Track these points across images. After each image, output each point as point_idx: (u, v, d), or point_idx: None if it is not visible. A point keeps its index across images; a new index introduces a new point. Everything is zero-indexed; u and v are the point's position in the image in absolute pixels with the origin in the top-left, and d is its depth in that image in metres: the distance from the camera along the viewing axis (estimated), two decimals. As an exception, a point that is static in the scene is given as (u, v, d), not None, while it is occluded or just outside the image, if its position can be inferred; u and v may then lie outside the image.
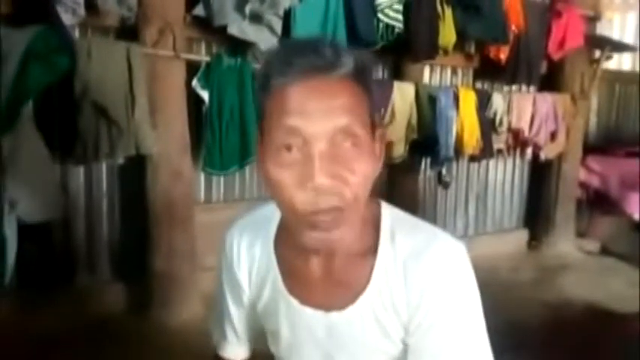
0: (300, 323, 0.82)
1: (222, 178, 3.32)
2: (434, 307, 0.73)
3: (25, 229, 2.40)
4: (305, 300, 0.80)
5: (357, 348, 0.79)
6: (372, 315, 0.77)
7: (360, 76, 0.69)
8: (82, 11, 2.54)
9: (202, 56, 3.06)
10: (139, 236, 2.97)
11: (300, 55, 0.66)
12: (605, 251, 4.62)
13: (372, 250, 0.77)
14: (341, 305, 0.78)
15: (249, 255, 0.87)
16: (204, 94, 2.88)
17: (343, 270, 0.78)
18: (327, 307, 0.79)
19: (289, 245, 0.80)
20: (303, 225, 0.68)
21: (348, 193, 0.67)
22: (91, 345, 2.56)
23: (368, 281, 0.76)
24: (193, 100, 2.93)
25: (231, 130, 2.97)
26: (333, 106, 0.65)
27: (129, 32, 2.79)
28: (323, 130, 0.65)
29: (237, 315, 0.93)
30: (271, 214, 0.84)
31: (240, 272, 0.88)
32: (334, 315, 0.78)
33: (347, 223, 0.69)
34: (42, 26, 2.33)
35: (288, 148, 0.66)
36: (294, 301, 0.81)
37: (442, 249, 0.75)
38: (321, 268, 0.79)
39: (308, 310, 0.80)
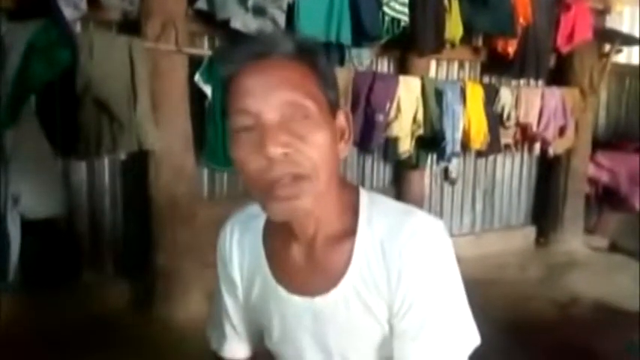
0: (289, 312, 0.84)
1: (225, 174, 3.30)
2: (413, 286, 0.75)
3: (28, 225, 2.39)
4: (292, 288, 0.83)
5: (344, 331, 0.81)
6: (356, 297, 0.78)
7: (304, 55, 0.74)
8: (83, 5, 2.53)
9: (205, 50, 3.04)
10: (141, 232, 2.96)
11: (240, 44, 0.73)
12: (613, 248, 4.57)
13: (351, 232, 0.79)
14: (324, 289, 0.80)
15: (239, 250, 0.90)
16: (207, 89, 2.86)
17: (324, 255, 0.80)
18: (312, 293, 0.81)
19: (275, 236, 0.85)
20: (265, 197, 0.72)
21: (305, 161, 0.70)
22: (95, 341, 2.56)
23: (348, 263, 0.78)
24: (196, 94, 2.90)
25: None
26: (277, 82, 0.70)
27: (131, 26, 2.77)
28: (270, 105, 0.70)
29: (234, 312, 0.95)
30: (259, 210, 0.87)
31: (232, 267, 0.91)
32: (319, 300, 0.80)
33: (309, 194, 0.72)
34: (44, 21, 2.32)
35: (245, 128, 0.71)
36: (282, 291, 0.83)
37: (418, 225, 0.77)
38: (303, 255, 0.82)
39: (295, 298, 0.82)
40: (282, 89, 0.70)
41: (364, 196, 0.82)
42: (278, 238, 0.84)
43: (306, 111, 0.71)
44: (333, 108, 0.76)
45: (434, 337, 0.75)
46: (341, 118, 0.79)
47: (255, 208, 0.89)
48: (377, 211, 0.80)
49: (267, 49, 0.72)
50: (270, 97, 0.70)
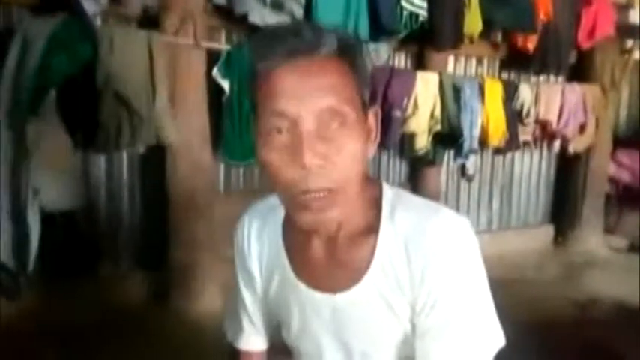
0: (309, 307, 0.83)
1: (241, 169, 3.31)
2: (437, 284, 0.73)
3: (47, 218, 2.42)
4: (312, 284, 0.82)
5: (365, 329, 0.80)
6: (377, 293, 0.77)
7: (345, 55, 0.70)
8: (104, 0, 2.55)
9: (223, 45, 3.04)
10: (159, 226, 2.98)
11: (280, 39, 0.68)
12: (633, 248, 4.48)
13: (374, 229, 0.77)
14: (346, 286, 0.78)
15: (258, 243, 0.89)
16: (225, 84, 2.86)
17: (346, 251, 0.79)
18: (333, 289, 0.80)
19: (295, 230, 0.83)
20: (296, 206, 0.71)
21: (337, 174, 0.68)
22: (112, 333, 2.58)
23: (371, 260, 0.77)
24: (214, 89, 2.91)
25: (252, 120, 2.94)
26: (318, 86, 0.67)
27: (150, 21, 2.79)
28: (309, 111, 0.66)
29: (252, 304, 0.94)
30: (279, 203, 0.85)
31: (251, 260, 0.90)
32: (340, 296, 0.79)
33: (340, 205, 0.70)
34: (65, 15, 2.34)
35: (278, 130, 0.68)
36: (302, 286, 0.82)
37: (443, 223, 0.74)
38: (325, 250, 0.81)
39: (315, 294, 0.81)
40: (322, 94, 0.67)
41: (387, 191, 0.80)
42: (298, 232, 0.82)
43: (345, 118, 0.68)
44: (366, 108, 0.74)
45: (457, 337, 0.73)
46: (371, 118, 0.76)
47: (273, 200, 0.87)
48: (400, 208, 0.78)
49: (309, 47, 0.67)
50: (310, 102, 0.66)
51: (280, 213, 0.87)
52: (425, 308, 0.74)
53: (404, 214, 0.77)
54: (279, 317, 0.90)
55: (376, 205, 0.79)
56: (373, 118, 0.77)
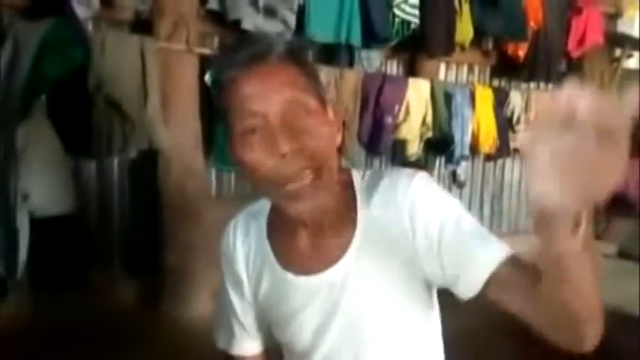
0: (302, 297, 0.84)
1: (233, 173, 3.31)
2: (429, 209, 0.77)
3: (37, 223, 2.41)
4: (301, 271, 0.84)
5: (363, 295, 0.81)
6: (366, 258, 0.80)
7: (294, 57, 0.77)
8: (96, 4, 2.56)
9: (216, 51, 3.04)
10: (150, 231, 2.96)
11: (238, 50, 0.76)
12: (622, 254, 4.53)
13: (352, 206, 0.82)
14: (334, 261, 0.81)
15: (244, 247, 0.92)
16: (217, 89, 2.87)
17: (330, 232, 0.82)
18: (322, 269, 0.82)
19: (279, 228, 0.87)
20: (283, 198, 0.75)
21: (314, 156, 0.73)
22: (103, 339, 2.56)
23: (354, 231, 0.81)
24: (205, 94, 2.91)
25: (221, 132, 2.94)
26: (277, 83, 0.73)
27: (143, 26, 2.78)
28: (275, 104, 0.72)
29: (242, 309, 0.95)
30: (260, 207, 0.92)
31: (238, 264, 0.92)
32: (329, 273, 0.82)
33: (324, 188, 0.75)
34: (56, 19, 2.33)
35: (252, 130, 0.73)
36: (291, 276, 0.84)
37: (406, 171, 0.82)
38: (311, 238, 0.84)
39: (303, 279, 0.83)
40: (283, 89, 0.73)
41: (356, 172, 0.87)
42: (282, 228, 0.86)
43: (307, 107, 0.74)
44: (325, 102, 0.80)
45: (478, 238, 0.75)
46: (331, 111, 0.82)
47: (255, 206, 0.93)
48: (368, 176, 0.85)
49: (263, 53, 0.75)
50: (274, 98, 0.72)
51: (263, 216, 0.91)
52: (433, 235, 0.76)
53: (373, 179, 0.84)
54: (272, 317, 0.91)
55: (349, 184, 0.84)
56: (333, 112, 0.82)
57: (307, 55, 0.81)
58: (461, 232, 0.76)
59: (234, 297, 0.95)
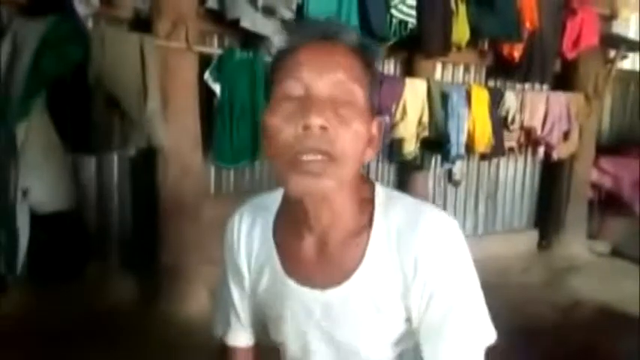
0: (299, 304, 0.83)
1: (232, 172, 3.33)
2: (431, 275, 0.75)
3: (36, 219, 2.41)
4: (302, 281, 0.82)
5: (356, 326, 0.81)
6: (369, 290, 0.78)
7: (362, 53, 0.76)
8: (96, 2, 2.56)
9: (215, 49, 3.06)
10: (148, 228, 2.98)
11: (311, 24, 0.79)
12: (616, 253, 4.57)
13: (367, 226, 0.79)
14: (337, 282, 0.79)
15: (247, 240, 0.90)
16: (216, 87, 2.88)
17: (338, 248, 0.80)
18: (324, 285, 0.81)
19: (286, 228, 0.85)
20: (290, 169, 0.71)
21: (337, 143, 0.70)
22: (99, 336, 2.57)
23: (363, 256, 0.78)
24: (205, 92, 2.93)
25: (243, 124, 2.96)
26: (335, 63, 0.73)
27: (142, 24, 2.79)
28: (323, 79, 0.72)
29: (240, 301, 0.95)
30: (271, 202, 0.89)
31: (240, 258, 0.91)
32: (331, 292, 0.80)
33: (334, 178, 0.71)
34: (56, 16, 2.33)
35: (290, 97, 0.72)
36: (292, 283, 0.83)
37: (434, 219, 0.78)
38: (316, 248, 0.81)
39: (306, 290, 0.82)
40: (337, 69, 0.72)
41: (380, 191, 0.83)
42: (289, 230, 0.84)
43: (353, 97, 0.73)
44: (372, 111, 0.78)
45: (457, 330, 0.75)
46: (375, 125, 0.80)
47: (264, 200, 0.91)
48: (393, 205, 0.80)
49: (334, 33, 0.75)
50: (325, 73, 0.72)
51: (271, 212, 0.88)
52: (422, 302, 0.76)
53: (397, 211, 0.79)
54: (268, 315, 0.90)
55: (369, 203, 0.81)
56: (377, 126, 0.80)
57: (377, 60, 0.81)
58: (448, 315, 0.75)
59: (233, 288, 0.95)
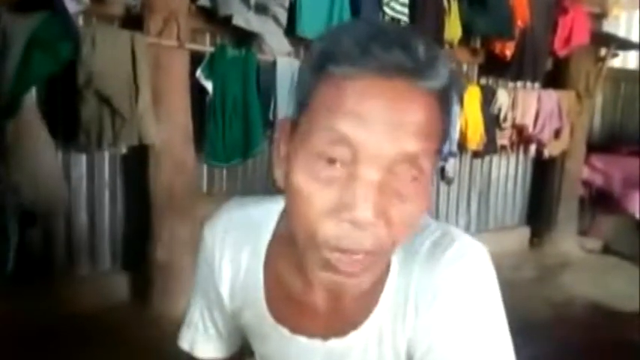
0: (292, 349, 0.69)
1: (224, 170, 3.31)
2: (441, 319, 0.60)
3: (26, 217, 2.39)
4: (298, 329, 0.68)
5: None
6: (377, 341, 0.65)
7: (446, 96, 0.53)
8: (86, -1, 2.54)
9: (207, 47, 3.05)
10: (140, 226, 2.96)
11: (383, 43, 0.49)
12: (607, 250, 4.61)
13: (381, 275, 0.62)
14: (341, 332, 0.66)
15: (233, 264, 0.72)
16: (208, 85, 2.87)
17: (352, 300, 0.65)
18: (326, 335, 0.67)
19: (284, 265, 0.67)
20: (321, 261, 0.54)
21: (388, 237, 0.53)
22: (91, 335, 2.56)
23: (376, 303, 0.64)
24: (197, 90, 2.91)
25: (235, 122, 2.95)
26: (407, 124, 0.49)
27: (133, 21, 2.77)
28: (384, 152, 0.50)
29: (217, 311, 0.79)
30: (264, 219, 0.70)
31: (222, 282, 0.73)
32: (333, 342, 0.67)
33: (373, 271, 0.56)
34: (46, 13, 2.31)
35: (331, 160, 0.51)
36: (284, 330, 0.68)
37: (458, 255, 0.61)
38: (325, 301, 0.67)
39: (301, 339, 0.68)
40: (410, 136, 0.50)
41: None
42: (288, 270, 0.67)
43: (421, 174, 0.52)
44: (433, 169, 0.56)
45: None
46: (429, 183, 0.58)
47: (256, 213, 0.72)
48: (412, 252, 0.64)
49: (418, 70, 0.50)
50: (390, 143, 0.49)
51: (265, 232, 0.70)
52: (419, 351, 0.62)
53: (415, 250, 0.63)
54: (254, 346, 0.77)
55: None
56: (433, 170, 0.58)
57: (456, 98, 0.61)
58: None
59: (211, 303, 0.78)
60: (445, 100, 0.53)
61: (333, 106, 0.50)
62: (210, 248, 0.74)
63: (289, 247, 0.62)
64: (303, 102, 0.55)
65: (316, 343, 0.67)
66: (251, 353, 0.82)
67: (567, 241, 4.57)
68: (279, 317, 0.68)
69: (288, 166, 0.55)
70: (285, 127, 0.58)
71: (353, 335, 0.65)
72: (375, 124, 0.49)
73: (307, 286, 0.66)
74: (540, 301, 3.42)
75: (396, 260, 0.64)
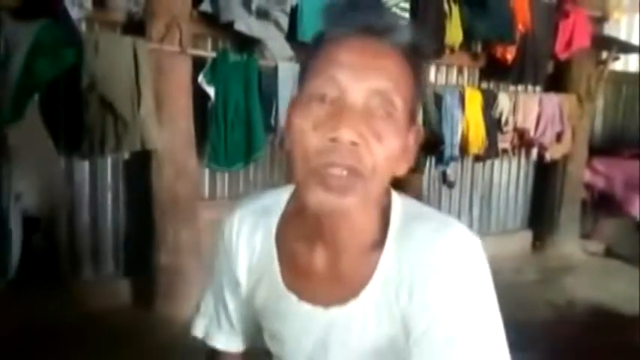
0: (299, 320, 0.77)
1: (226, 174, 3.32)
2: (434, 303, 0.67)
3: (29, 222, 2.40)
4: (304, 296, 0.76)
5: (356, 346, 0.74)
6: (375, 311, 0.72)
7: (414, 57, 0.68)
8: (89, 5, 2.56)
9: (208, 52, 3.06)
10: (143, 231, 2.97)
11: (359, 11, 0.66)
12: (609, 253, 4.60)
13: (379, 243, 0.72)
14: (342, 300, 0.73)
15: (248, 246, 0.82)
16: (210, 90, 2.89)
17: (348, 263, 0.73)
18: (327, 303, 0.74)
19: (291, 238, 0.77)
20: (312, 180, 0.64)
21: (369, 160, 0.63)
22: (95, 339, 2.57)
23: (372, 275, 0.71)
24: (199, 95, 2.93)
25: (237, 127, 2.97)
26: (378, 67, 0.64)
27: (135, 27, 2.79)
28: (361, 86, 0.63)
29: (232, 303, 0.87)
30: (274, 204, 0.81)
31: (239, 265, 0.83)
32: (334, 310, 0.74)
33: (358, 195, 0.64)
34: (49, 20, 2.34)
35: (322, 99, 0.64)
36: (293, 297, 0.76)
37: (452, 240, 0.69)
38: (327, 261, 0.74)
39: (307, 307, 0.76)
40: (380, 76, 0.64)
41: (397, 202, 0.75)
42: (296, 239, 0.76)
43: (393, 109, 0.65)
44: (412, 121, 0.70)
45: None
46: (411, 135, 0.71)
47: (266, 202, 0.82)
48: (409, 222, 0.72)
49: (384, 28, 0.66)
50: (366, 79, 0.64)
51: (275, 215, 0.80)
52: (415, 331, 0.68)
53: (412, 229, 0.71)
54: (264, 325, 0.84)
55: (384, 215, 0.74)
56: (413, 136, 0.71)
57: (425, 61, 0.74)
58: (446, 347, 0.65)
59: (227, 294, 0.87)
60: (412, 57, 0.67)
61: (324, 60, 0.66)
62: (227, 238, 0.84)
63: (296, 219, 0.76)
64: (303, 70, 0.70)
65: (318, 312, 0.75)
66: (268, 353, 0.88)
67: (569, 244, 4.57)
68: (289, 284, 0.77)
69: (289, 115, 0.68)
70: (293, 100, 0.71)
71: (352, 305, 0.72)
72: (353, 68, 0.64)
73: (310, 248, 0.75)
74: (542, 304, 3.42)
75: (391, 237, 0.72)
